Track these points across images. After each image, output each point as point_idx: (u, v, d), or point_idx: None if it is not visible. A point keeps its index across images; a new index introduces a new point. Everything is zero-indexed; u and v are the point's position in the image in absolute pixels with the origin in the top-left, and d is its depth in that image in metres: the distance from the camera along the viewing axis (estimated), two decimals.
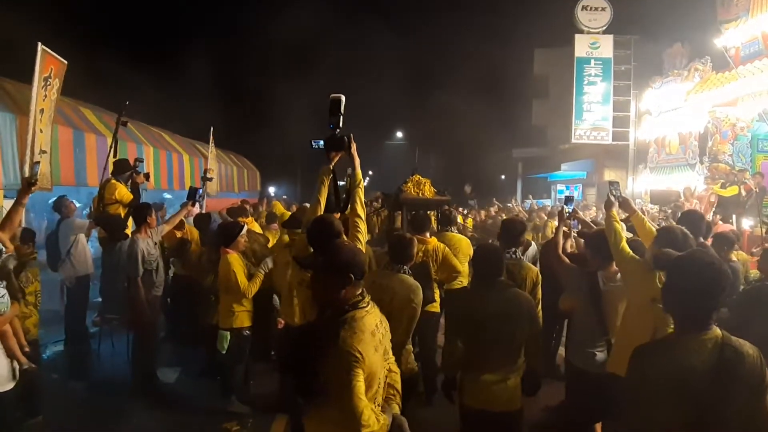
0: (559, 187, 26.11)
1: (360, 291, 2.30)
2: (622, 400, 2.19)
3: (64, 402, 5.00)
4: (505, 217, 12.20)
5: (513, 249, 4.12)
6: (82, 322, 6.54)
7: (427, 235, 5.12)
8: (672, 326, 2.77)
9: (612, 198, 3.82)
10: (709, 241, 5.40)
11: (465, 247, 5.64)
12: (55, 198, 6.54)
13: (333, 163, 3.48)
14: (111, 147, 6.82)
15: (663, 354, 2.05)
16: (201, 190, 8.03)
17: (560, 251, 4.07)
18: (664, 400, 1.95)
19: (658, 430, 1.96)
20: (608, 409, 3.53)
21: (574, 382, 3.84)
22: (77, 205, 7.67)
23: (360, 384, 2.12)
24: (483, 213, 14.63)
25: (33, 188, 3.97)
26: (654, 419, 1.96)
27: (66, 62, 5.47)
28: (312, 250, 3.28)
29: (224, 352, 4.94)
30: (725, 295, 2.05)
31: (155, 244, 5.46)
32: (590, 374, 3.61)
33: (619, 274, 3.59)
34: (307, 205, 5.49)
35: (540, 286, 4.00)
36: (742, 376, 1.92)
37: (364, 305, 2.27)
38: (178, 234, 6.48)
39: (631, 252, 3.44)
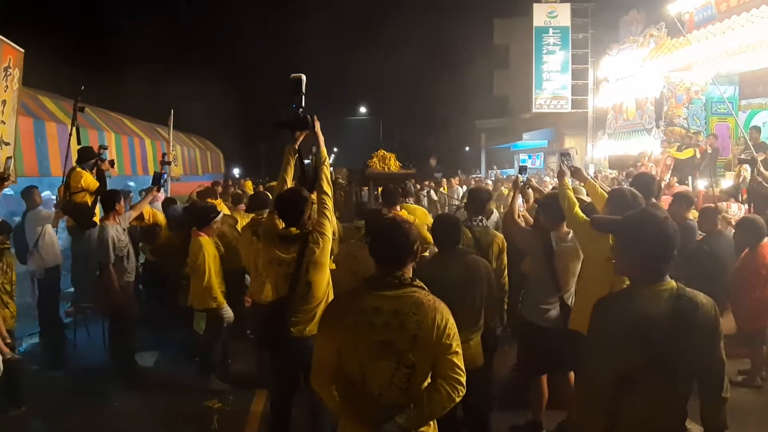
0: (522, 156, 26.50)
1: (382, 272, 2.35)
2: (582, 353, 2.27)
3: (46, 392, 5.02)
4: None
5: (480, 217, 4.27)
6: (56, 313, 6.49)
7: (398, 208, 5.31)
8: (627, 282, 3.00)
9: (564, 168, 4.04)
10: (663, 200, 5.69)
11: (420, 215, 5.83)
12: (21, 189, 6.44)
13: (298, 143, 3.59)
14: (71, 135, 6.74)
15: (621, 304, 2.14)
16: (165, 175, 8.00)
17: (516, 216, 4.28)
18: (623, 348, 2.04)
19: (617, 378, 2.04)
20: (556, 363, 3.78)
21: (525, 335, 4.05)
22: (52, 196, 7.57)
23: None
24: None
25: (6, 183, 3.94)
26: (613, 367, 2.05)
27: (23, 50, 5.36)
28: (282, 224, 3.41)
29: (202, 332, 5.05)
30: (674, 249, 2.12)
31: (124, 230, 5.49)
32: (541, 327, 3.82)
33: (570, 234, 3.80)
34: (273, 184, 5.57)
35: (506, 252, 4.18)
36: (696, 324, 2.02)
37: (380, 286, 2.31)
38: (135, 223, 6.34)
39: (583, 215, 3.63)
